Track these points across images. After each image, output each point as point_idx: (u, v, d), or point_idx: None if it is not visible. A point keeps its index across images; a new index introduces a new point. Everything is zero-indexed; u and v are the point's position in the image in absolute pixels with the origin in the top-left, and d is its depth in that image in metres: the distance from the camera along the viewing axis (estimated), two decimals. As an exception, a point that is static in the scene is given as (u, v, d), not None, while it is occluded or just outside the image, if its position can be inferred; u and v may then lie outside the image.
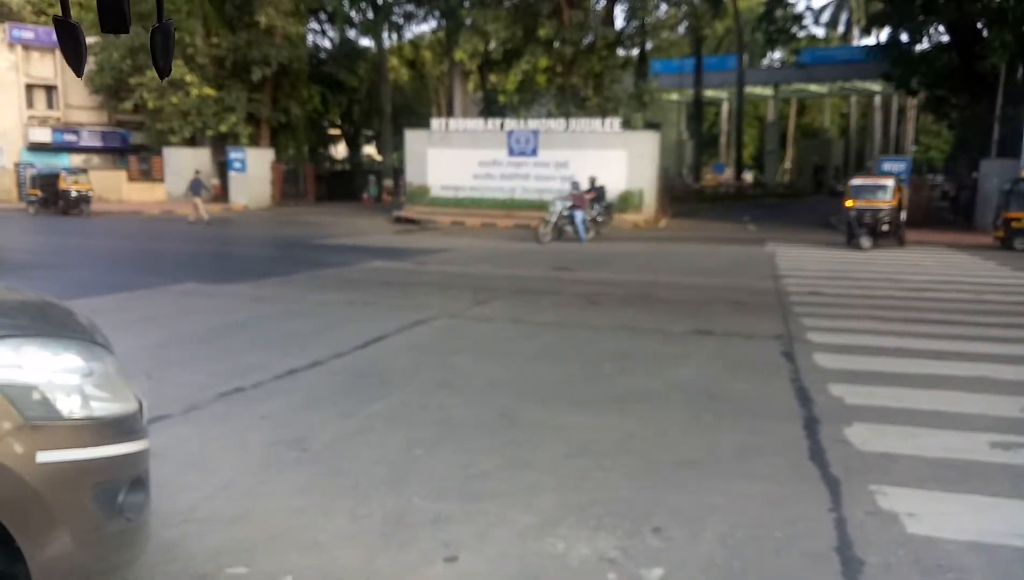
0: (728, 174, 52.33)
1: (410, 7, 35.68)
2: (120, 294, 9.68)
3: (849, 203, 17.26)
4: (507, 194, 25.20)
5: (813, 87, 53.25)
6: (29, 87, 35.80)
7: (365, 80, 39.69)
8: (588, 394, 5.62)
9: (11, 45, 34.95)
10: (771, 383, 5.91)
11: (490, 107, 33.51)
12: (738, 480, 3.97)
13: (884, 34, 30.61)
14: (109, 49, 31.33)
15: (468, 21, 28.60)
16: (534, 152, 24.90)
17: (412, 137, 27.05)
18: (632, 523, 3.45)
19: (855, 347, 7.12)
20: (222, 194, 32.46)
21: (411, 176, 26.83)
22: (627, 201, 23.77)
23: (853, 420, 4.92)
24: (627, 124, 26.49)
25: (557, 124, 25.08)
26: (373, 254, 15.19)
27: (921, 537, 3.33)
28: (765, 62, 57.44)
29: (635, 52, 31.50)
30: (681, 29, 35.05)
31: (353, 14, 37.97)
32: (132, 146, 37.53)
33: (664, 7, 30.19)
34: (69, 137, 36.34)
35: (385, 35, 38.53)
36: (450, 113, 32.83)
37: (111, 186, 33.22)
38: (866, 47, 34.91)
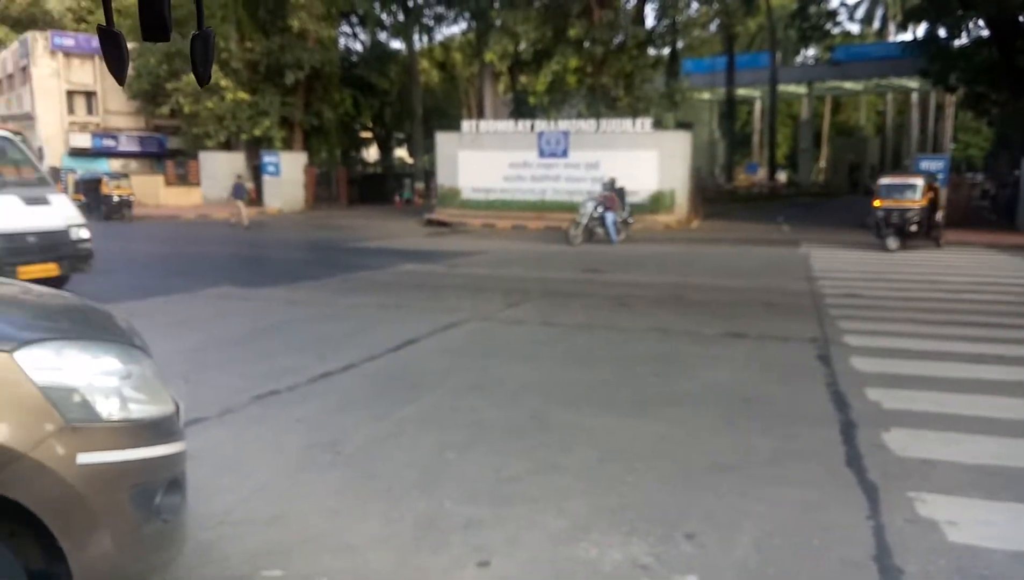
0: (761, 174, 51.71)
1: (440, 9, 35.80)
2: (157, 298, 9.86)
3: (877, 203, 16.89)
4: (538, 196, 25.18)
5: (848, 84, 52.37)
6: (70, 93, 36.62)
7: (396, 83, 39.93)
8: (620, 397, 5.59)
9: (53, 52, 35.76)
10: (806, 387, 5.83)
11: (520, 108, 33.52)
12: (773, 485, 3.92)
13: (921, 29, 29.90)
14: (146, 55, 31.92)
15: (498, 22, 28.62)
16: (564, 153, 24.84)
17: (443, 139, 27.15)
18: (665, 528, 3.42)
19: (893, 350, 7.00)
20: (256, 198, 32.91)
21: (442, 178, 26.93)
22: (658, 202, 23.60)
23: (891, 425, 4.83)
24: (658, 124, 26.30)
25: (588, 125, 24.98)
26: (405, 257, 15.28)
27: (963, 546, 3.25)
28: (799, 59, 56.67)
29: (666, 51, 31.22)
30: (713, 27, 34.69)
31: (384, 17, 38.19)
32: (169, 151, 38.22)
33: (695, 5, 29.86)
34: (108, 142, 37.09)
35: (416, 37, 38.73)
36: (480, 115, 32.89)
37: (149, 190, 33.85)
38: (902, 43, 34.22)
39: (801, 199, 41.91)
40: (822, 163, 60.45)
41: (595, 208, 18.62)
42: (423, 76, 43.37)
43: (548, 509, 3.63)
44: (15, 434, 2.07)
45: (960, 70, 27.78)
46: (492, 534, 3.37)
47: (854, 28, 57.91)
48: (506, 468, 4.15)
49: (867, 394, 5.55)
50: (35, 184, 9.63)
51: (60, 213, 9.47)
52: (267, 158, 32.41)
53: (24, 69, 36.58)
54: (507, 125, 26.56)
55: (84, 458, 2.18)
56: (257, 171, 33.18)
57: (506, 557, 3.18)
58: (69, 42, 36.27)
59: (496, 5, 29.73)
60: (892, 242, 16.44)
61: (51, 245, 9.13)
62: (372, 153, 51.08)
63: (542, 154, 25.10)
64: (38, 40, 35.83)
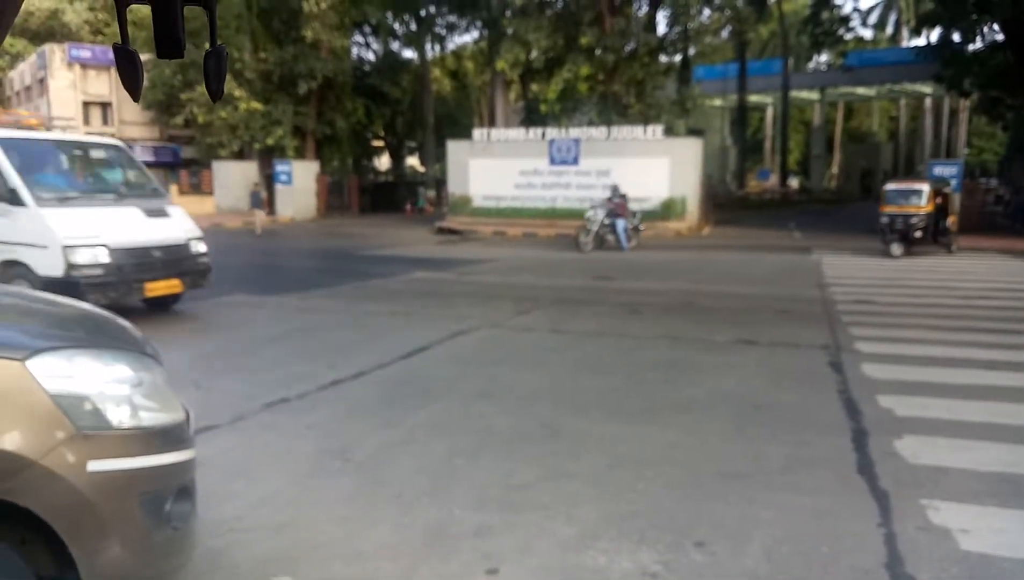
0: (773, 180, 51.53)
1: (452, 18, 36.01)
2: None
3: (884, 208, 16.77)
4: (548, 203, 25.19)
5: (861, 90, 52.15)
6: (86, 104, 37.05)
7: (408, 91, 40.10)
8: (630, 404, 5.58)
9: (70, 64, 36.22)
10: (818, 394, 5.80)
11: (531, 116, 33.56)
12: (784, 493, 3.90)
13: (935, 34, 29.82)
14: (161, 66, 32.20)
15: (510, 31, 28.72)
16: (575, 161, 24.85)
17: (454, 148, 27.23)
18: (675, 536, 3.41)
19: (905, 357, 6.95)
20: (269, 206, 33.11)
21: (453, 186, 27.00)
22: (670, 209, 23.55)
23: (903, 432, 4.80)
24: (670, 131, 26.26)
25: (599, 132, 24.97)
26: (416, 265, 15.32)
27: (975, 554, 3.23)
28: (811, 65, 56.45)
29: (678, 58, 31.24)
30: (724, 34, 34.64)
31: (396, 26, 38.45)
32: (183, 160, 38.53)
33: (707, 12, 29.90)
34: (123, 152, 37.39)
35: (428, 46, 38.95)
36: (492, 123, 32.97)
37: (163, 199, 34.05)
38: (916, 48, 34.05)
39: (813, 205, 41.72)
40: (834, 169, 60.16)
41: (605, 215, 18.60)
42: (435, 85, 43.55)
43: (557, 516, 3.62)
44: (26, 442, 2.10)
45: (974, 74, 27.60)
46: (502, 541, 3.37)
47: (867, 33, 57.62)
48: (516, 475, 4.15)
49: (879, 401, 5.51)
50: (151, 195, 9.10)
51: (180, 226, 8.92)
52: (279, 167, 32.61)
53: (42, 81, 37.07)
54: (518, 133, 26.60)
55: (95, 466, 2.20)
56: (270, 180, 33.40)
57: (516, 564, 3.18)
58: (86, 54, 36.72)
59: (508, 14, 29.84)
60: (896, 248, 16.26)
61: (175, 260, 8.64)
62: (384, 162, 51.28)
63: (553, 162, 25.12)
64: (55, 52, 36.32)
